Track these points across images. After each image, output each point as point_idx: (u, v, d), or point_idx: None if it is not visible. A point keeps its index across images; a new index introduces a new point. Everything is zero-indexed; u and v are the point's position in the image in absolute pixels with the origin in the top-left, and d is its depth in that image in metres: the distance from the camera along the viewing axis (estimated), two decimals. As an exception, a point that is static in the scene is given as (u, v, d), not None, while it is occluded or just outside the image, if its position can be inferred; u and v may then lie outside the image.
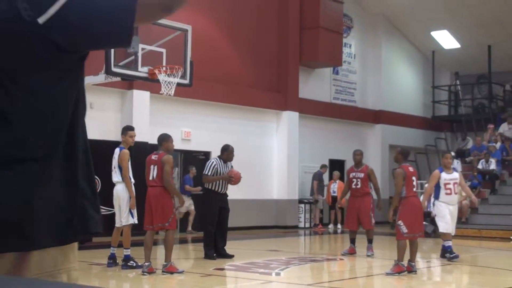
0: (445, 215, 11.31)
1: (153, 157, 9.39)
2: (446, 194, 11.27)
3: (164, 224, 9.18)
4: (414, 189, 9.75)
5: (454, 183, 11.30)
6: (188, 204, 16.39)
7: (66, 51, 1.97)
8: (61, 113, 2.00)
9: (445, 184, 11.28)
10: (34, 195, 1.93)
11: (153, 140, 9.93)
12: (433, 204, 11.84)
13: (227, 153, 11.25)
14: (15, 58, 1.93)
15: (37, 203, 1.93)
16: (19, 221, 1.90)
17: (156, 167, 9.26)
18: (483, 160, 19.34)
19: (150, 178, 9.30)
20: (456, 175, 11.50)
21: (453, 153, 20.46)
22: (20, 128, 1.93)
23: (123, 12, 1.95)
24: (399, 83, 25.03)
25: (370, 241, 12.17)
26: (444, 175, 11.32)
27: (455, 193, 11.46)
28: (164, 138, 9.52)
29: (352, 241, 12.42)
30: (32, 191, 1.93)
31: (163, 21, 12.86)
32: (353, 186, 12.22)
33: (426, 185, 18.26)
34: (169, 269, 9.19)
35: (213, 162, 11.29)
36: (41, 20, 1.89)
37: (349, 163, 21.35)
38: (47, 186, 1.96)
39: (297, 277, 9.75)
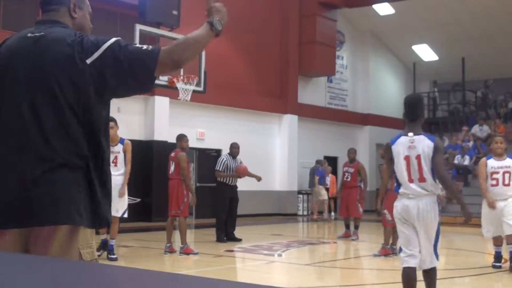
0: (485, 218, 7.82)
1: (172, 154, 9.41)
2: (492, 185, 7.61)
3: (177, 211, 9.18)
4: None
5: (505, 172, 7.55)
6: (323, 193, 16.99)
7: (107, 89, 2.29)
8: (101, 132, 2.32)
9: (492, 173, 7.61)
10: (80, 192, 2.25)
11: (172, 139, 9.91)
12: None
13: (231, 148, 11.34)
14: (78, 91, 2.25)
15: (82, 198, 2.26)
16: (74, 207, 2.24)
17: (173, 163, 9.26)
18: (459, 155, 19.33)
19: (170, 172, 9.31)
20: (509, 162, 7.60)
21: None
22: (74, 143, 2.25)
23: (148, 62, 2.25)
24: (385, 90, 24.96)
25: (356, 227, 12.11)
26: (491, 163, 7.66)
27: (505, 185, 7.55)
28: (179, 138, 9.54)
29: (347, 226, 12.39)
30: (79, 188, 2.25)
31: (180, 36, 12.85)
32: (344, 179, 12.17)
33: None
34: (185, 251, 9.18)
35: (223, 158, 11.28)
36: (88, 61, 2.23)
37: (341, 160, 21.37)
38: (89, 186, 2.28)
39: (296, 258, 9.72)
